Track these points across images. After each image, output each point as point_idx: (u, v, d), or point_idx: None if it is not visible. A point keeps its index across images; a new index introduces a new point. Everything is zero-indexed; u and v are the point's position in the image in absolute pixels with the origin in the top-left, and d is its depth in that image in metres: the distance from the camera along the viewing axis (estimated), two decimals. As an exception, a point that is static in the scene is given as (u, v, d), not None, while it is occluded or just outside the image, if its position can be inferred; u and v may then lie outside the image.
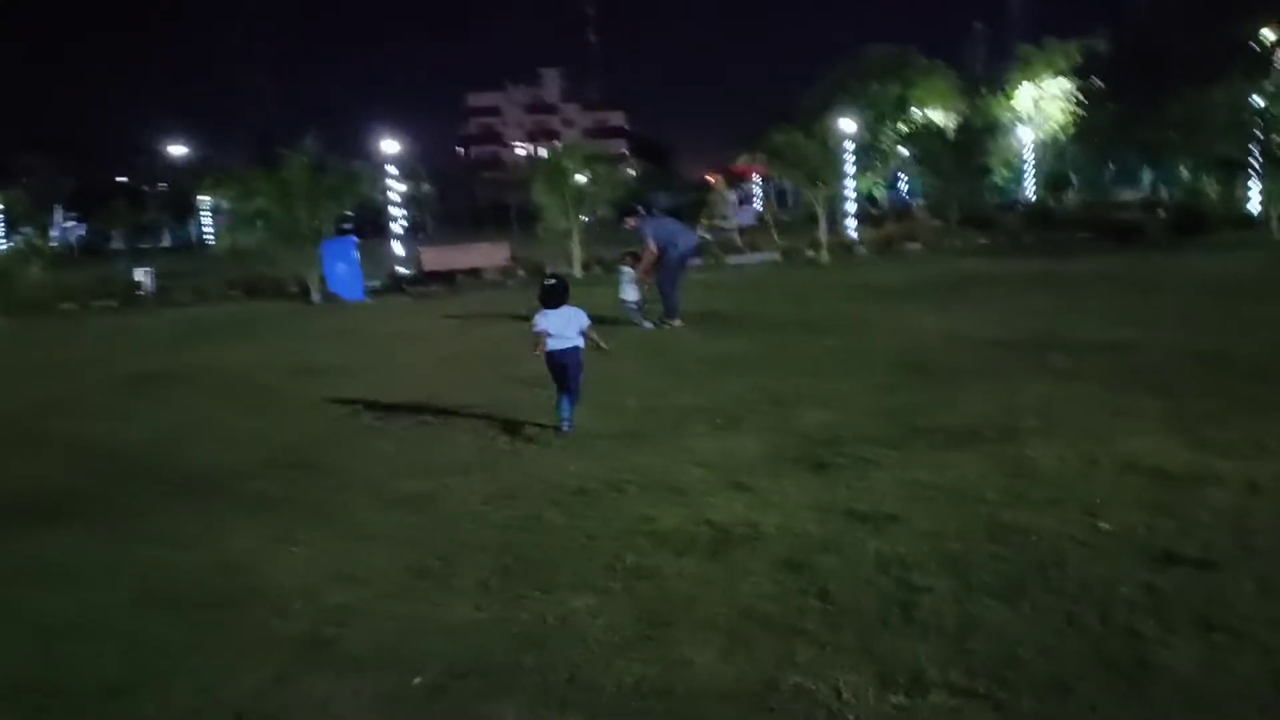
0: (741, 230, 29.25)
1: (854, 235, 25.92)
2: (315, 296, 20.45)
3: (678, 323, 12.85)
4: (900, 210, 40.95)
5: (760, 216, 36.74)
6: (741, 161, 43.10)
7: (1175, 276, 15.62)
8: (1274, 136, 23.05)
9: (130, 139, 79.28)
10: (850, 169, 25.43)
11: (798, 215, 48.63)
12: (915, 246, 24.46)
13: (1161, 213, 27.56)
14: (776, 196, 51.60)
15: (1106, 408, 7.13)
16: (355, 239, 21.44)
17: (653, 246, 12.79)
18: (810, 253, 23.31)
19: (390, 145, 25.32)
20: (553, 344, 7.40)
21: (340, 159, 22.31)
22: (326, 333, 15.25)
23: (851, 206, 26.45)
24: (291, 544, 5.18)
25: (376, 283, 22.62)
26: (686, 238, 13.67)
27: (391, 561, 4.83)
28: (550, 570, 4.57)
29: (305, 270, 20.76)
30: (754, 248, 25.45)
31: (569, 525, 5.24)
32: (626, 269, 13.18)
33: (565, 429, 7.33)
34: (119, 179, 72.67)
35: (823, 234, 23.08)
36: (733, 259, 23.62)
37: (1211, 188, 28.19)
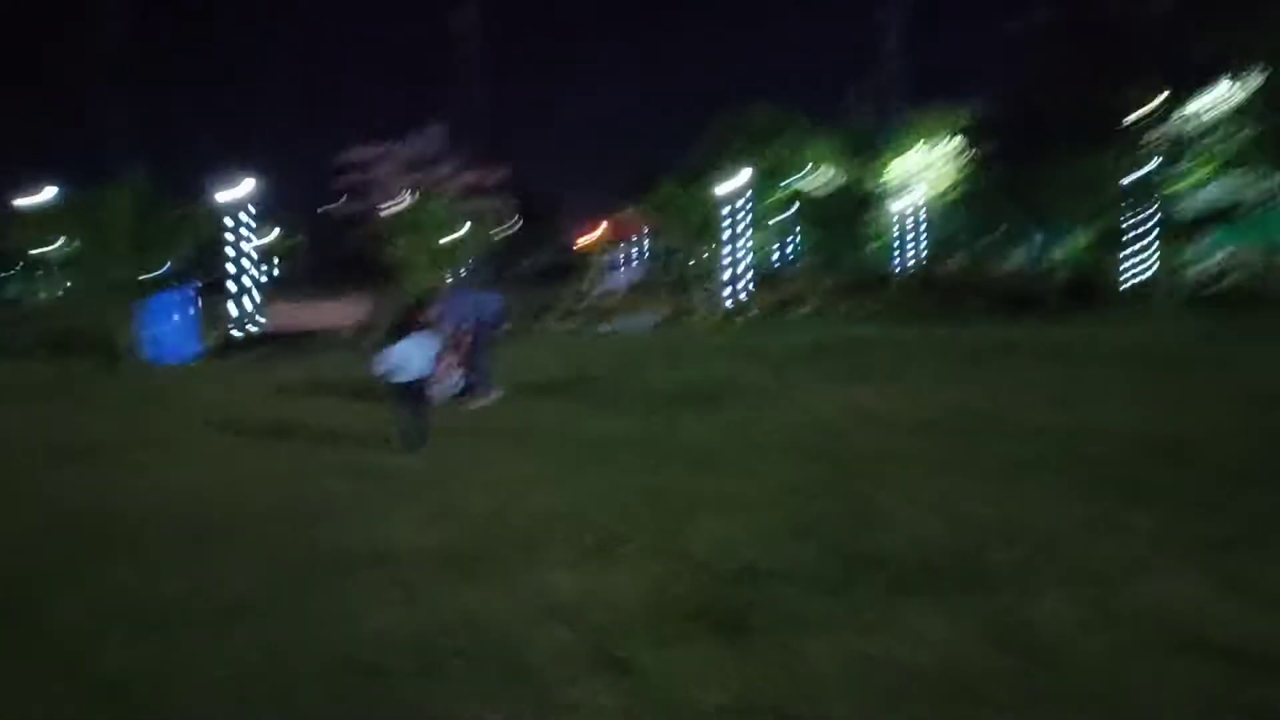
0: (613, 294, 27.68)
1: (743, 297, 24.55)
2: (130, 357, 17.83)
3: (496, 394, 11.03)
4: (784, 273, 40.04)
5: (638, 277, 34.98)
6: (626, 214, 41.65)
7: (1082, 347, 14.50)
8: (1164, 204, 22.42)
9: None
10: (741, 228, 24.09)
11: (684, 275, 47.73)
12: (805, 310, 23.19)
13: (1047, 280, 27.09)
14: (664, 255, 50.26)
15: (1086, 524, 5.53)
16: (192, 291, 18.94)
17: (462, 328, 11.05)
18: (696, 315, 21.78)
19: (242, 187, 22.96)
20: (406, 376, 7.80)
21: (179, 198, 19.65)
22: (120, 402, 12.89)
23: (740, 268, 25.10)
24: None
25: (212, 342, 20.19)
26: (490, 305, 12.01)
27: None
28: None
29: (115, 326, 18.09)
30: (634, 309, 23.82)
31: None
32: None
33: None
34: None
35: (711, 296, 21.57)
36: (605, 326, 21.94)
37: (1094, 256, 27.93)
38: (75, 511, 6.69)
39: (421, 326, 8.27)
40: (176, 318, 18.26)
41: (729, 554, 5.17)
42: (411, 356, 7.84)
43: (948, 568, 4.81)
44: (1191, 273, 24.76)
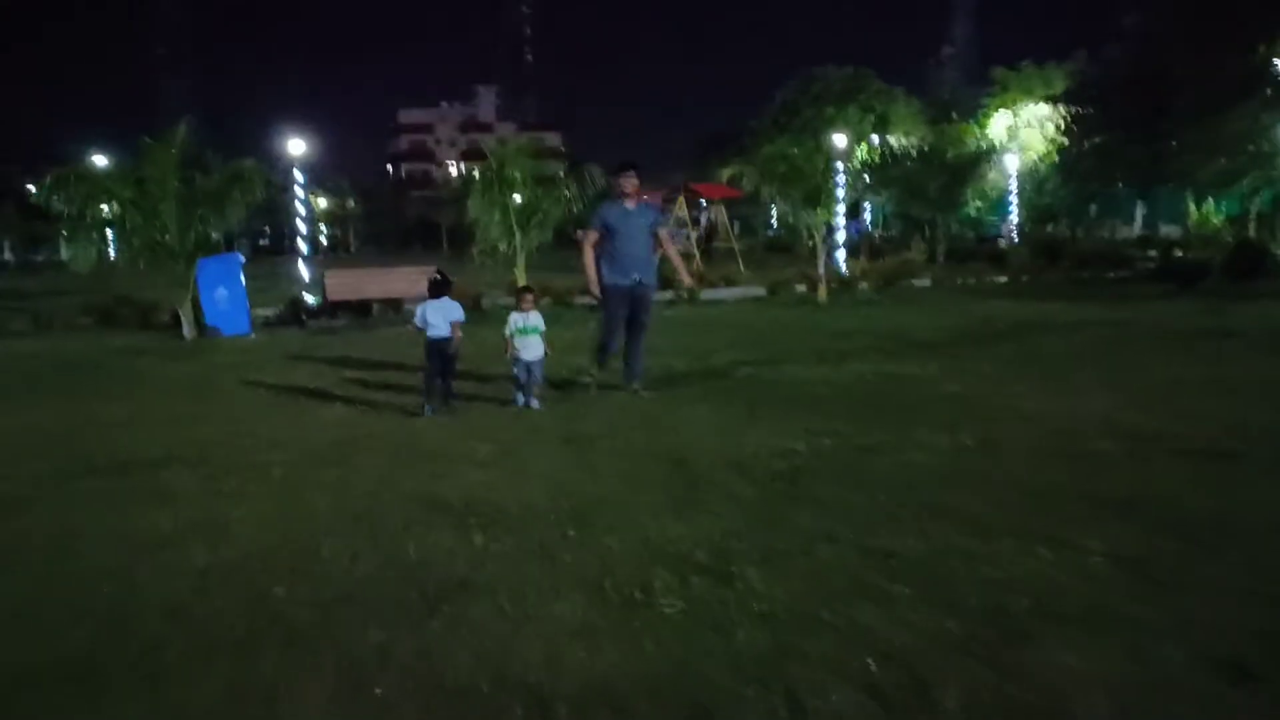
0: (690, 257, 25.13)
1: (843, 268, 22.15)
2: (187, 329, 16.01)
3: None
4: (873, 241, 37.49)
5: (701, 243, 32.30)
6: (709, 181, 39.03)
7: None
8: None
9: (41, 142, 73.00)
10: (846, 192, 21.66)
11: (753, 244, 45.17)
12: (922, 283, 20.73)
13: (1180, 252, 24.42)
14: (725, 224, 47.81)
15: None
16: (240, 258, 16.95)
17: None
18: (802, 289, 19.43)
19: (297, 147, 21.02)
20: (432, 332, 8.39)
21: (227, 158, 17.62)
22: (170, 386, 10.88)
23: (841, 235, 22.68)
24: None
25: (271, 312, 18.27)
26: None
27: None
28: None
29: (176, 295, 16.28)
30: (729, 282, 21.49)
31: None
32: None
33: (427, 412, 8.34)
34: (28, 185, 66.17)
35: (821, 267, 19.16)
36: (708, 293, 19.65)
37: (1240, 224, 25.21)
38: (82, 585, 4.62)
39: (446, 292, 8.63)
40: (227, 287, 16.26)
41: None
42: (436, 317, 8.43)
43: None
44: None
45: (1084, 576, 4.19)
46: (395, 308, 18.28)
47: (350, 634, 3.91)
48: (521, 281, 18.33)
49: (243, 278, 16.63)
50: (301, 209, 20.67)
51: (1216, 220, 30.04)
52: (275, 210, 19.18)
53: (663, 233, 9.24)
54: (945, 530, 4.85)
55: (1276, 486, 5.47)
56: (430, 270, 19.49)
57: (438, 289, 8.62)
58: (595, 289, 8.95)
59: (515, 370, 8.65)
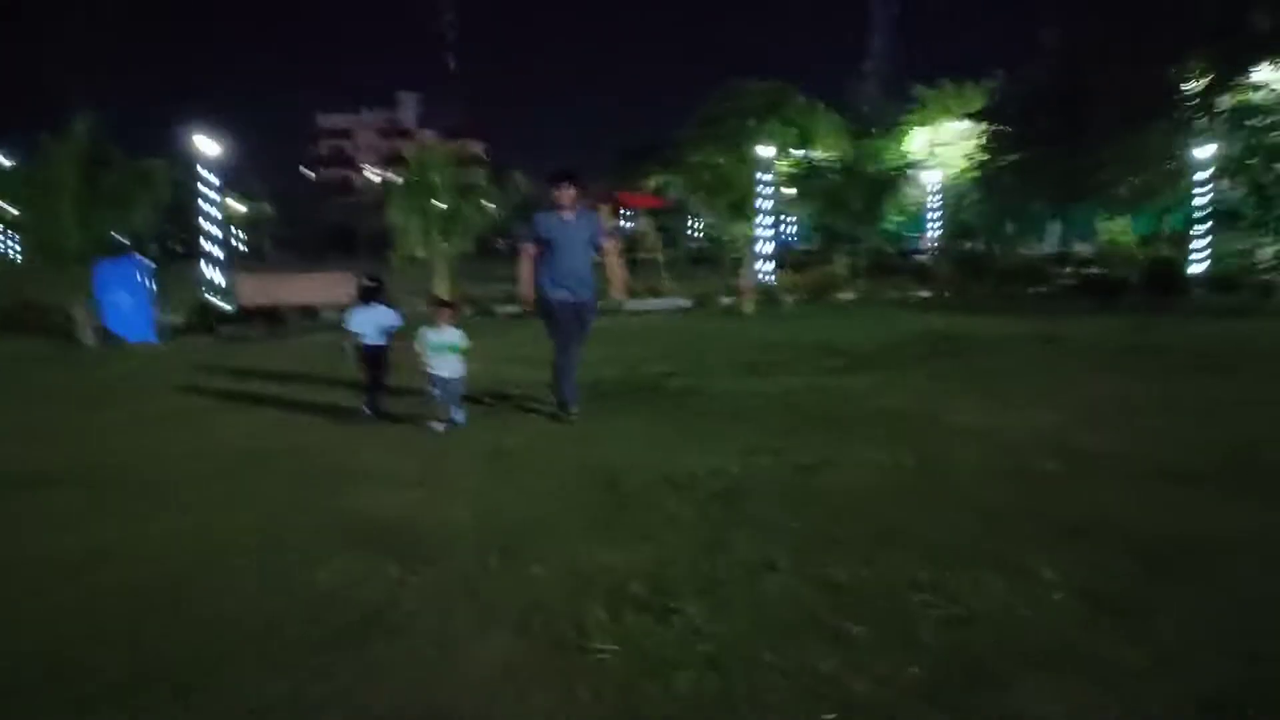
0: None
1: (769, 279, 22.00)
2: (87, 336, 15.18)
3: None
4: (795, 255, 37.52)
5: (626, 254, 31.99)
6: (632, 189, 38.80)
7: (1233, 347, 12.18)
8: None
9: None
10: (770, 203, 21.51)
11: (677, 255, 44.94)
12: (848, 296, 20.69)
13: (1094, 269, 24.86)
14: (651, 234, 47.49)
15: None
16: (146, 261, 16.12)
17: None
18: (728, 300, 19.21)
19: (209, 147, 20.20)
20: (363, 339, 8.30)
21: (136, 155, 16.77)
22: (65, 397, 10.18)
23: (767, 248, 22.53)
24: None
25: (180, 319, 17.46)
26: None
27: None
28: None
29: (72, 299, 15.43)
30: (654, 293, 21.20)
31: None
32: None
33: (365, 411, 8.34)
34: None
35: (748, 278, 18.97)
36: (634, 304, 19.31)
37: (1154, 243, 25.70)
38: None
39: (378, 297, 8.54)
40: (130, 292, 15.46)
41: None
42: (366, 324, 8.35)
43: None
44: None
45: (1047, 610, 3.94)
46: (311, 315, 17.62)
47: (249, 682, 3.49)
48: (442, 291, 17.86)
49: (149, 283, 15.83)
50: (214, 212, 19.87)
51: (1127, 238, 30.66)
52: (188, 214, 18.33)
53: (608, 243, 8.59)
54: (893, 558, 4.58)
55: (1235, 511, 5.30)
56: (350, 277, 19.03)
57: (369, 294, 8.45)
58: (529, 304, 8.40)
59: (434, 389, 7.96)
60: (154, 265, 16.22)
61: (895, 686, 3.33)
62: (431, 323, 8.10)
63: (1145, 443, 6.96)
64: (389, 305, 8.60)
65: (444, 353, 7.91)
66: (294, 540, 5.05)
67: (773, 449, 6.89)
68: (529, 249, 8.27)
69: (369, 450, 7.16)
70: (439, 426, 7.82)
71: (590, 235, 8.32)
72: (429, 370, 7.89)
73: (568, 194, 8.14)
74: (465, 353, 7.99)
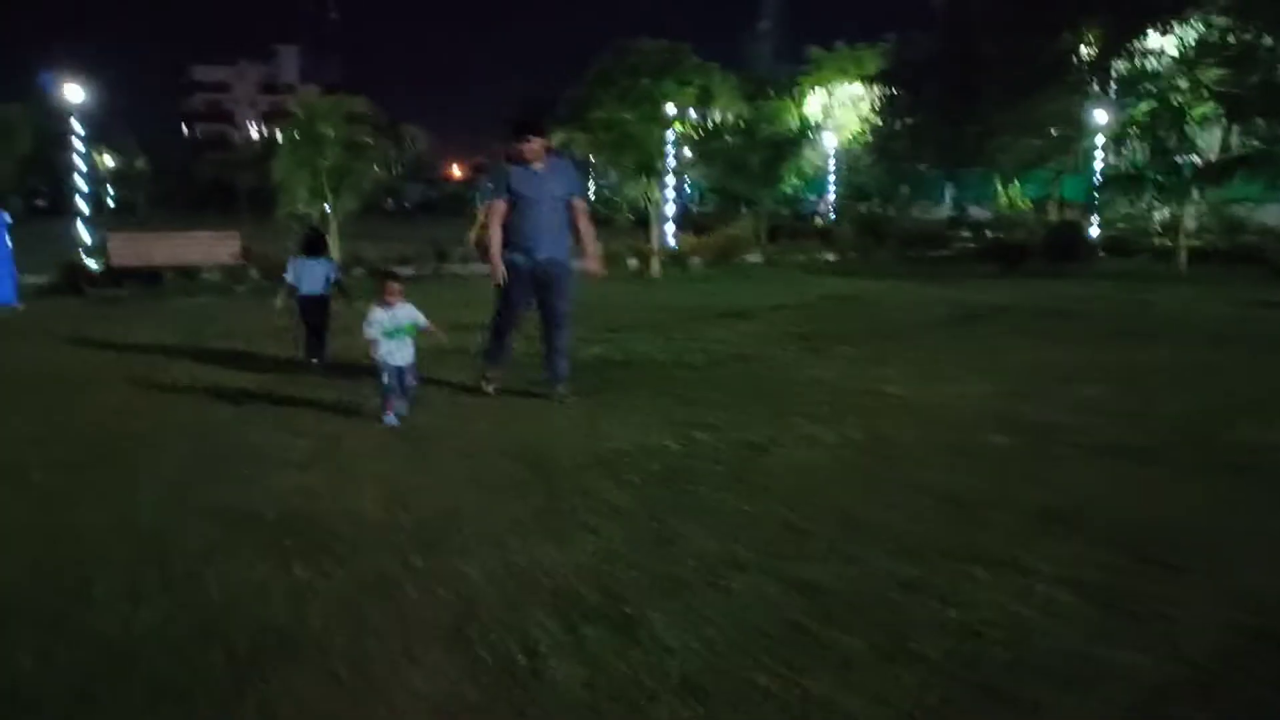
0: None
1: (672, 243, 21.50)
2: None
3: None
4: (694, 217, 37.15)
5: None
6: (531, 146, 37.70)
7: (1144, 313, 12.20)
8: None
9: None
10: (675, 164, 20.97)
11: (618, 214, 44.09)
12: (754, 259, 20.34)
13: (990, 233, 25.08)
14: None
15: None
16: (4, 216, 14.74)
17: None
18: (633, 262, 18.64)
19: (75, 94, 18.71)
20: (305, 288, 8.45)
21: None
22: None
23: (670, 209, 22.00)
24: None
25: (44, 279, 16.15)
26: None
27: None
28: None
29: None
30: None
31: None
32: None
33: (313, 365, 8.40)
34: None
35: (654, 241, 18.45)
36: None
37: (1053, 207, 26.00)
38: None
39: (321, 249, 8.91)
40: (-11, 250, 14.14)
41: None
42: (303, 275, 8.46)
43: None
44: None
45: (1049, 612, 3.52)
46: (190, 276, 16.47)
47: (125, 729, 2.84)
48: (332, 249, 16.86)
49: (8, 239, 14.50)
50: (82, 165, 18.44)
51: (1023, 203, 31.07)
52: (53, 166, 16.93)
53: (578, 203, 7.52)
54: (867, 551, 4.12)
55: (1202, 489, 5.01)
56: (232, 241, 17.92)
57: (313, 247, 8.75)
58: (499, 276, 7.30)
59: (385, 378, 6.61)
60: (12, 221, 14.87)
61: (899, 709, 2.86)
62: (380, 300, 6.73)
63: (1087, 414, 6.68)
64: (328, 257, 9.04)
65: (399, 336, 6.65)
66: (176, 540, 4.34)
67: (709, 424, 6.39)
68: (498, 206, 7.21)
69: (259, 430, 6.42)
70: (391, 419, 6.61)
71: (567, 189, 7.38)
72: (382, 359, 6.61)
73: (534, 146, 7.21)
74: (411, 331, 6.73)
